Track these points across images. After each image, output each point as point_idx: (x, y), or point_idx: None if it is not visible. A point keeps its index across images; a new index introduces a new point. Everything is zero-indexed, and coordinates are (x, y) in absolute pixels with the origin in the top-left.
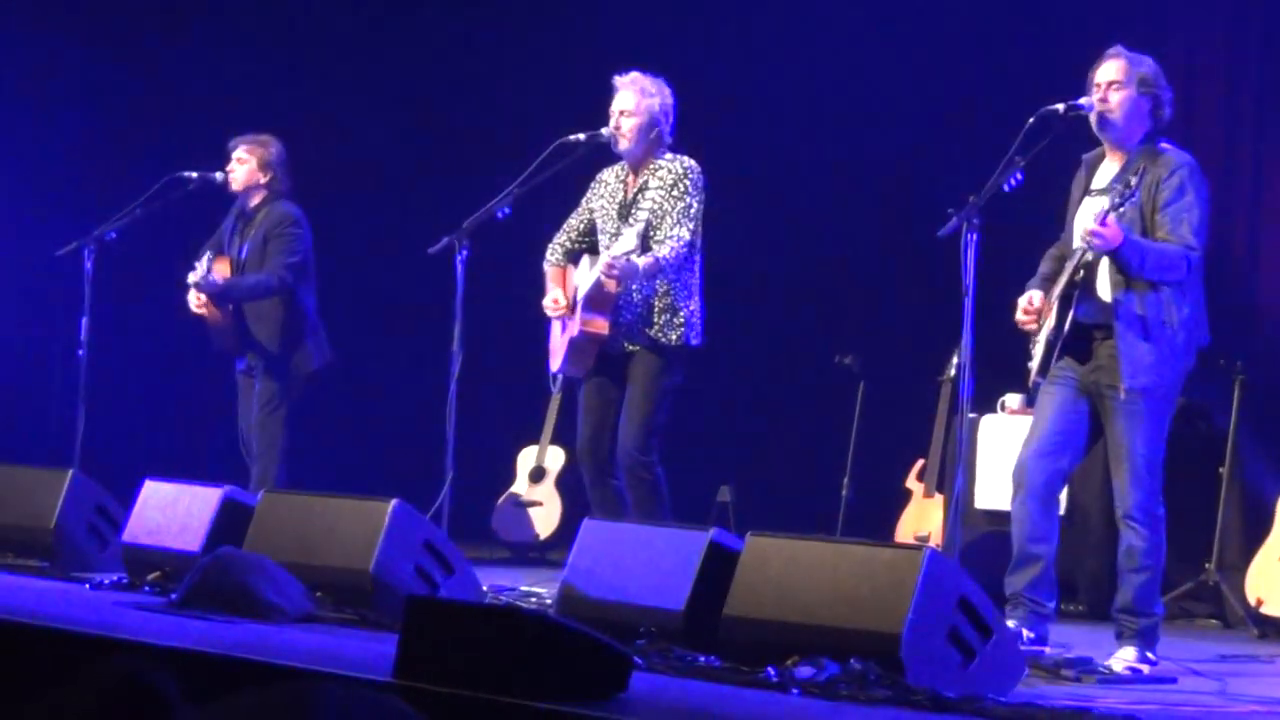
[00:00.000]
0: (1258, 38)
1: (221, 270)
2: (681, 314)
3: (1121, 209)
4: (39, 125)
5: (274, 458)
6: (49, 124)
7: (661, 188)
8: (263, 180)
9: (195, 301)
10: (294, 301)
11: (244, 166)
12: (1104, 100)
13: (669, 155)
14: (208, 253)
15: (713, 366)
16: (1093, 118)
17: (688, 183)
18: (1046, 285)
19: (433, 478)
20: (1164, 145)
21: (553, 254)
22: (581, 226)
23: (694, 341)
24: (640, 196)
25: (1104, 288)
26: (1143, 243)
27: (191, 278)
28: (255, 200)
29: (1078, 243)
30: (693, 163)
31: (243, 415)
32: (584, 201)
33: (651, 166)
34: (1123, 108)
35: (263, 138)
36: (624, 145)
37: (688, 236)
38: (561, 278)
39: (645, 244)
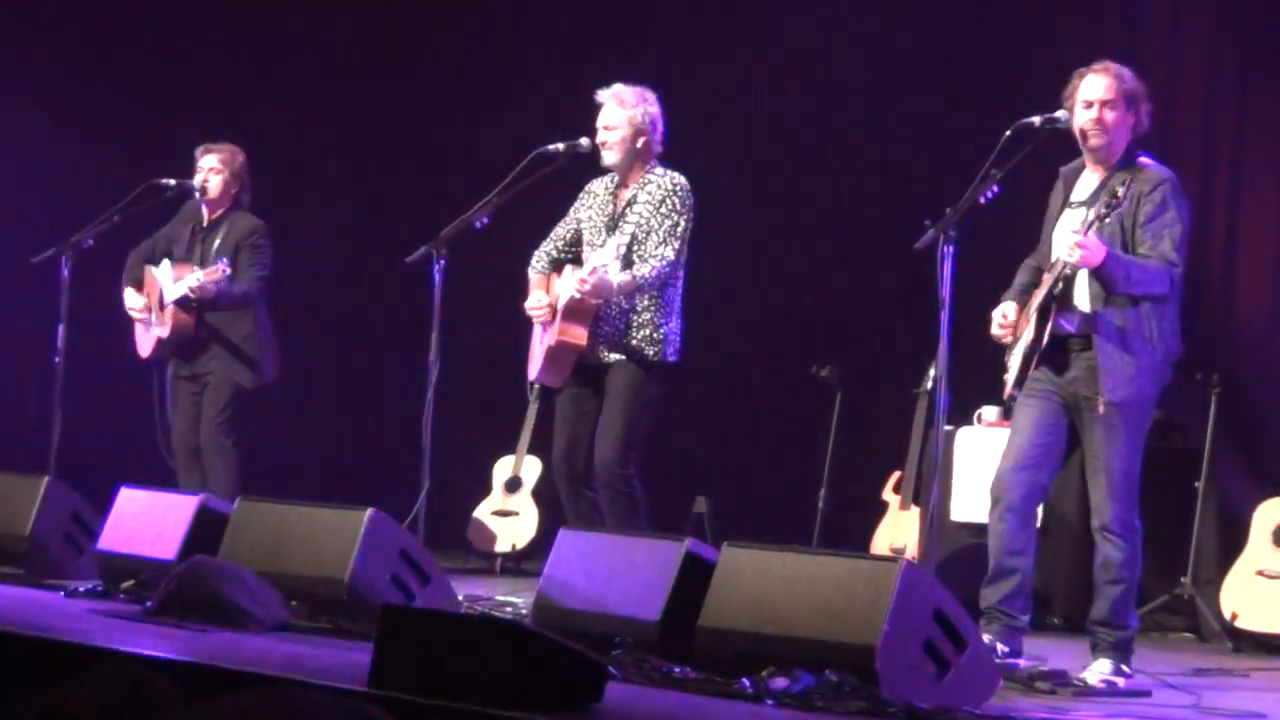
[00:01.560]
0: (1235, 51)
1: (184, 276)
2: (661, 330)
3: (1106, 219)
4: (14, 132)
5: (230, 470)
6: (25, 130)
7: (650, 202)
8: (233, 190)
9: (136, 306)
10: (257, 314)
11: (219, 176)
12: (1099, 120)
13: (660, 170)
14: (165, 261)
15: (689, 377)
16: (1087, 135)
17: (676, 200)
18: (1022, 296)
19: (409, 487)
20: (1144, 160)
21: (538, 261)
22: (568, 236)
23: (671, 358)
24: (628, 210)
25: (1083, 299)
26: (1126, 258)
27: (193, 281)
28: (219, 210)
29: (1059, 254)
30: (683, 179)
31: (180, 420)
32: (572, 211)
33: (641, 179)
34: (1117, 127)
35: (230, 147)
36: (610, 159)
37: (672, 256)
38: (545, 285)
39: (628, 258)
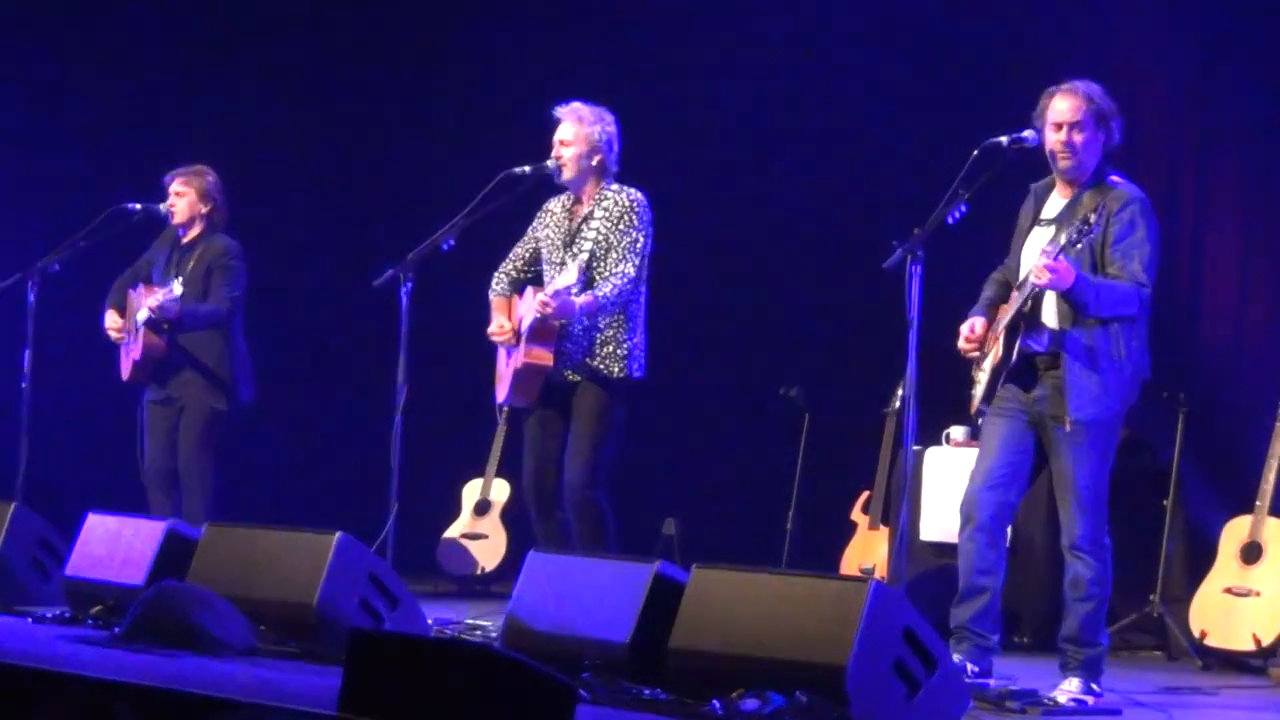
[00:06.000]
0: (1197, 69)
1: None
2: (625, 346)
3: (1078, 244)
4: None
5: (204, 493)
6: None
7: (607, 219)
8: (203, 211)
9: (115, 327)
10: (230, 334)
11: (183, 199)
12: (1068, 143)
13: (615, 186)
14: (141, 285)
15: (658, 398)
16: (1056, 157)
17: (634, 216)
18: (989, 310)
19: (378, 510)
20: (1114, 179)
21: (498, 283)
22: (527, 256)
23: (636, 374)
24: (584, 226)
25: (1050, 317)
26: (1095, 281)
27: (152, 302)
28: (194, 232)
29: (1026, 274)
30: (640, 195)
31: (153, 444)
32: (530, 231)
33: (597, 196)
34: (1086, 147)
35: (198, 168)
36: (565, 175)
37: (632, 272)
38: (506, 307)
39: (589, 276)
